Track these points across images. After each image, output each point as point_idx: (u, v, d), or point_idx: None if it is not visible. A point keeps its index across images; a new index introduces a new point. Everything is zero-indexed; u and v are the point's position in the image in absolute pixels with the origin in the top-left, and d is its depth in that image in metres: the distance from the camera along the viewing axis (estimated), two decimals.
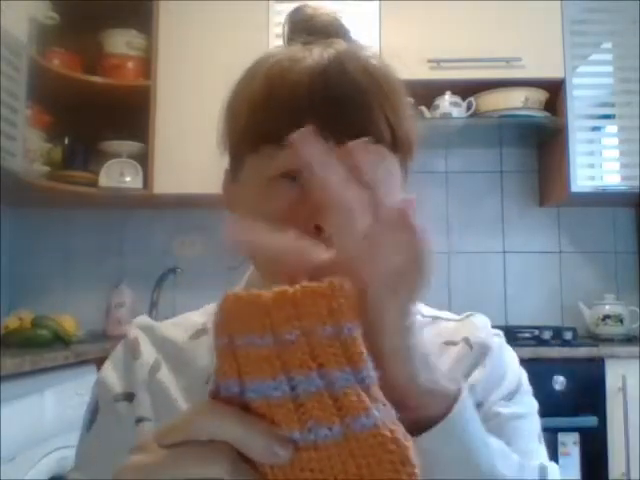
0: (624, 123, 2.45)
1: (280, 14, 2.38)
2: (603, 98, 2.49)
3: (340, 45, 0.56)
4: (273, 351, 0.34)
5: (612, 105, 2.47)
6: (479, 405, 0.58)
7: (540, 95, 2.44)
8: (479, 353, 0.61)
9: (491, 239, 2.71)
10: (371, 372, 0.35)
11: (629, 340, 2.40)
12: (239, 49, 2.27)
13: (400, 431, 0.34)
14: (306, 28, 0.59)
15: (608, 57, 2.54)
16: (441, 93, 2.44)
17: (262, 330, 0.34)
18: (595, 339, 2.42)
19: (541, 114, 2.44)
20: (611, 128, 2.55)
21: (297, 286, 0.35)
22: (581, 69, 2.46)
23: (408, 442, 0.34)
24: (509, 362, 0.63)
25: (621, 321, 2.45)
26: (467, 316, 0.66)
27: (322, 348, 0.34)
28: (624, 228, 2.69)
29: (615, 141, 2.55)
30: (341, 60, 0.54)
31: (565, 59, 2.42)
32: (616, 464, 2.05)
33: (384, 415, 0.34)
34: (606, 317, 2.46)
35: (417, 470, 0.34)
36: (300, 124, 0.52)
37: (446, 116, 2.43)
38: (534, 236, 2.71)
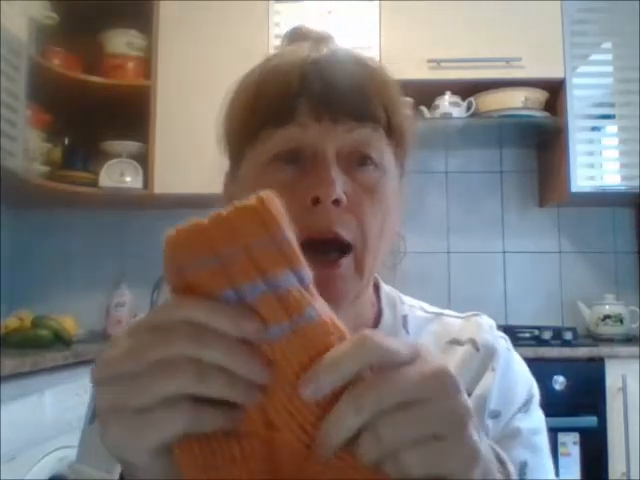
0: (624, 123, 2.45)
1: (280, 14, 2.38)
2: (603, 98, 2.49)
3: (334, 44, 0.59)
4: (218, 270, 0.36)
5: (612, 105, 2.47)
6: (496, 414, 0.59)
7: (540, 95, 2.44)
8: (486, 355, 0.61)
9: (491, 239, 2.71)
10: (307, 271, 0.37)
11: (629, 340, 2.40)
12: (239, 49, 2.27)
13: (335, 318, 0.38)
14: (301, 37, 0.61)
15: (608, 57, 2.54)
16: (441, 93, 2.43)
17: (205, 253, 0.36)
18: (595, 339, 2.42)
19: (541, 114, 2.44)
20: (611, 128, 2.55)
21: (229, 208, 0.37)
22: (581, 69, 2.46)
23: (344, 327, 0.38)
24: (518, 369, 0.63)
25: (621, 321, 2.45)
26: (472, 315, 0.66)
27: (262, 256, 0.36)
28: (624, 228, 2.69)
29: (615, 141, 2.55)
30: (334, 52, 0.56)
31: (565, 59, 2.42)
32: (616, 464, 2.04)
33: (321, 307, 0.37)
34: (606, 317, 2.46)
35: None
36: (294, 103, 0.53)
37: (446, 116, 2.43)
38: (534, 236, 2.70)
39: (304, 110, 0.53)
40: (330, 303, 0.53)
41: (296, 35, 0.63)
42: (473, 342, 0.62)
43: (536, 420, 0.61)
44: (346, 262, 0.53)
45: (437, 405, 0.34)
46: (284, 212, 0.38)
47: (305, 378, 0.35)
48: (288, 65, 0.54)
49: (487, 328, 0.64)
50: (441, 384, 0.35)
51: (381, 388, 0.34)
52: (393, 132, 0.56)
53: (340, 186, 0.51)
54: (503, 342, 0.64)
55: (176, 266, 0.37)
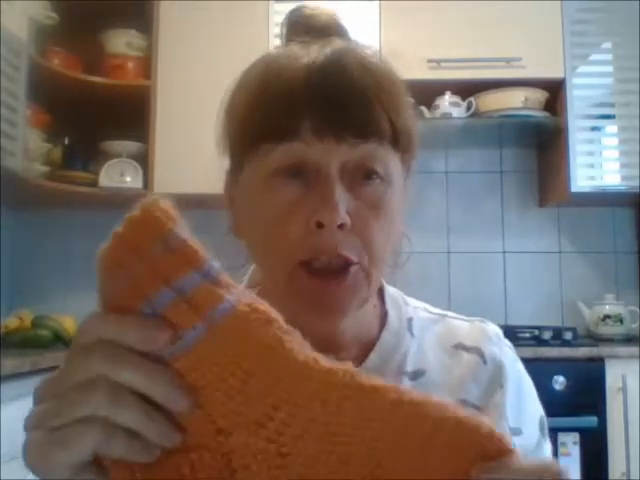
0: (624, 123, 2.45)
1: (280, 14, 2.37)
2: (603, 98, 2.49)
3: (338, 43, 0.56)
4: (130, 287, 0.36)
5: (612, 105, 2.46)
6: (518, 432, 0.59)
7: (540, 95, 2.44)
8: (494, 371, 0.61)
9: (491, 239, 2.71)
10: (213, 264, 0.37)
11: (629, 340, 2.40)
12: (239, 49, 2.27)
13: (256, 302, 0.37)
14: (304, 28, 0.59)
15: (608, 57, 2.53)
16: (441, 93, 2.43)
17: (116, 273, 0.37)
18: (595, 339, 2.41)
19: (541, 114, 2.44)
20: (611, 128, 2.54)
21: (123, 223, 0.38)
22: (581, 69, 2.46)
23: (265, 307, 0.37)
24: (526, 385, 0.63)
25: (621, 321, 2.45)
26: (477, 321, 0.65)
27: (161, 264, 0.36)
28: (624, 228, 2.69)
29: (615, 141, 2.54)
30: (338, 56, 0.54)
31: (565, 59, 2.41)
32: (616, 464, 2.04)
33: (239, 296, 0.36)
34: (606, 317, 2.46)
35: (282, 324, 0.36)
36: (298, 119, 0.52)
37: (446, 116, 2.43)
38: (534, 236, 2.70)
39: (307, 126, 0.51)
40: (333, 315, 0.53)
41: (298, 23, 0.60)
42: (480, 352, 0.61)
43: (549, 442, 0.62)
44: (352, 273, 0.52)
45: None
46: (174, 213, 0.37)
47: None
48: (291, 76, 0.53)
49: (494, 338, 0.63)
50: None
51: None
52: (400, 141, 0.55)
53: (344, 208, 0.51)
54: (510, 353, 0.63)
55: (101, 290, 0.38)
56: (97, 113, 2.50)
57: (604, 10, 2.46)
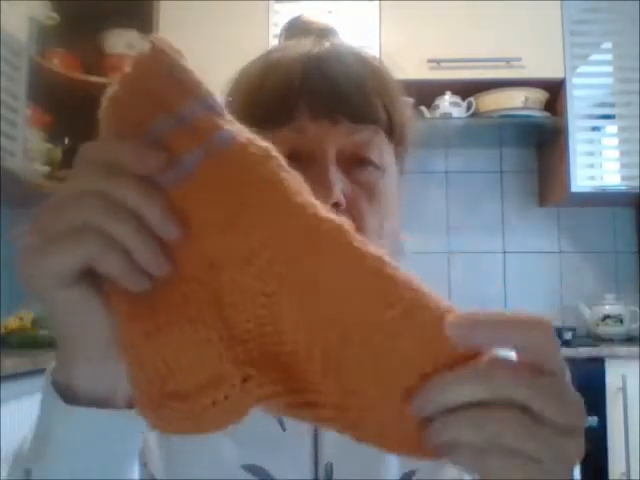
0: (624, 123, 2.45)
1: (280, 14, 2.37)
2: (603, 98, 2.49)
3: (334, 39, 0.59)
4: (130, 122, 0.37)
5: (612, 105, 2.47)
6: None
7: (540, 95, 2.44)
8: None
9: (491, 239, 2.71)
10: (216, 98, 0.36)
11: (629, 340, 2.40)
12: (239, 49, 2.27)
13: (256, 139, 0.36)
14: (301, 31, 0.61)
15: (608, 57, 2.54)
16: (441, 93, 2.44)
17: (122, 112, 0.38)
18: (595, 339, 2.41)
19: (541, 114, 2.44)
20: (611, 128, 2.54)
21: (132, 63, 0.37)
22: (581, 69, 2.46)
23: (267, 143, 0.36)
24: None
25: (621, 321, 2.45)
26: None
27: (163, 94, 0.35)
28: (624, 228, 2.69)
29: (615, 141, 2.54)
30: (335, 48, 0.56)
31: (565, 59, 2.42)
32: (616, 464, 2.04)
33: (240, 130, 0.36)
34: (606, 317, 2.46)
35: (283, 162, 0.35)
36: (293, 105, 0.53)
37: (446, 116, 2.43)
38: (534, 236, 2.70)
39: (305, 112, 0.52)
40: None
41: (296, 27, 0.62)
42: None
43: None
44: None
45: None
46: (178, 51, 0.36)
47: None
48: (289, 62, 0.54)
49: None
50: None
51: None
52: (394, 132, 0.56)
53: (339, 188, 0.51)
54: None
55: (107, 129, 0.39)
56: (97, 113, 2.49)
57: (604, 10, 2.46)
